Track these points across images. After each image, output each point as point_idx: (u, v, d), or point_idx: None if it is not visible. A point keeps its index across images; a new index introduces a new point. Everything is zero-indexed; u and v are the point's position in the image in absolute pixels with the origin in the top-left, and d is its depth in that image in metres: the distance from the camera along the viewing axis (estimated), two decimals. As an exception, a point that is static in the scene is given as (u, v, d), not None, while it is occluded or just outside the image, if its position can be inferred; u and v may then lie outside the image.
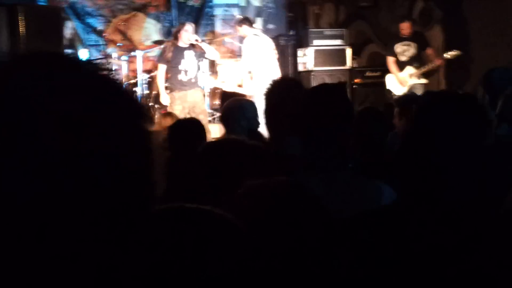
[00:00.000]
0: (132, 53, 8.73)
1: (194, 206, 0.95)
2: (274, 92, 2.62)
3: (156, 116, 7.53)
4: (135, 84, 8.45)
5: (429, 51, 8.43)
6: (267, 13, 10.24)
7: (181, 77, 6.94)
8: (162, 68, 7.10)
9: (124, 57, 8.89)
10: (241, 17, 8.20)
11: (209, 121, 7.74)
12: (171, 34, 9.62)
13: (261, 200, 1.25)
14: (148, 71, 8.73)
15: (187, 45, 6.99)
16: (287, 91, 2.59)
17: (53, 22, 5.95)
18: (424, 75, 8.44)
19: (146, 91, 8.40)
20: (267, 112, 2.63)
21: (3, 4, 5.57)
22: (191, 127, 3.23)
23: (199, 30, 9.87)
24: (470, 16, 8.75)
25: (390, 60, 8.54)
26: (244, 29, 7.50)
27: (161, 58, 7.18)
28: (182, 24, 7.29)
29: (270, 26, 9.84)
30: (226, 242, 0.91)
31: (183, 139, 3.00)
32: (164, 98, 7.10)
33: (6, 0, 5.61)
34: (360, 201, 1.98)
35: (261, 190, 1.27)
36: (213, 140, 2.42)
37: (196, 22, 9.88)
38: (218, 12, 10.06)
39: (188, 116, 6.24)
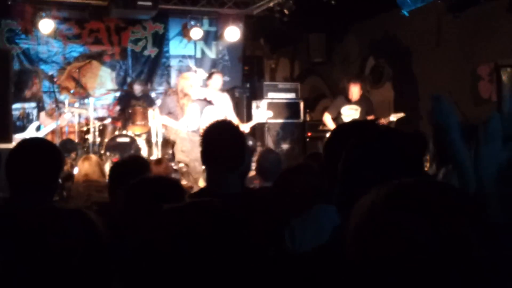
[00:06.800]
0: (85, 100, 8.66)
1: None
2: (209, 134, 2.66)
3: (108, 163, 7.44)
4: (87, 132, 8.33)
5: (370, 118, 8.43)
6: (223, 65, 10.38)
7: None
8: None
9: (76, 104, 8.80)
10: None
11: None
12: (125, 82, 9.64)
13: (180, 218, 1.25)
14: (101, 119, 8.64)
15: None
16: (222, 132, 2.64)
17: (1, 63, 5.87)
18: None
19: (98, 139, 8.29)
20: (203, 152, 2.66)
21: None
22: (128, 165, 3.16)
23: (154, 80, 9.92)
24: (418, 74, 9.05)
25: (328, 117, 8.62)
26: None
27: None
28: None
29: (226, 78, 9.92)
30: None
31: (120, 178, 2.91)
32: None
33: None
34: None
35: (182, 210, 1.27)
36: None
37: (152, 72, 9.94)
38: (173, 63, 10.13)
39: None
